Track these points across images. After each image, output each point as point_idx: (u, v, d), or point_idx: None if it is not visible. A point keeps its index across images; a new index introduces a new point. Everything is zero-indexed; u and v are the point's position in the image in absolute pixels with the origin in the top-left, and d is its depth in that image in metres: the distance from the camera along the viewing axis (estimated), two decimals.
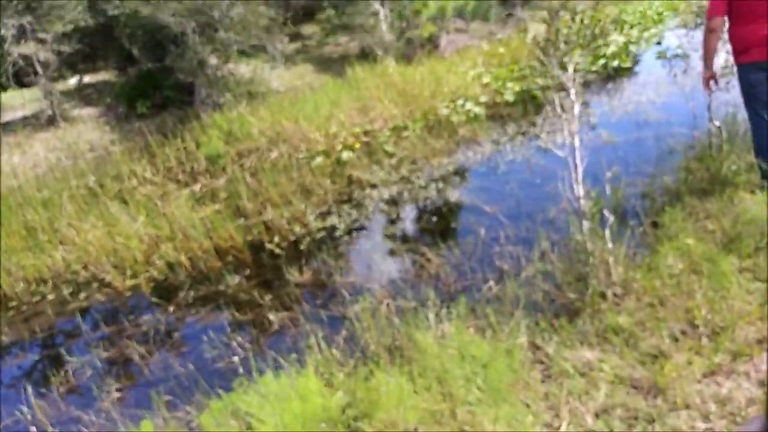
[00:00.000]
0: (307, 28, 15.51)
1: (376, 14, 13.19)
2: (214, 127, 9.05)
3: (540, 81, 9.43)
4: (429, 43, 13.43)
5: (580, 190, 3.44)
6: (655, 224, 4.10)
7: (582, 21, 3.07)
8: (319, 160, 7.50)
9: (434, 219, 5.65)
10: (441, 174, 6.54)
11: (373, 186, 6.53)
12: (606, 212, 3.50)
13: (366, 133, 8.31)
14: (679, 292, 3.21)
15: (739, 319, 2.89)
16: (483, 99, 8.93)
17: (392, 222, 5.79)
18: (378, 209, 6.03)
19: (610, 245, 3.47)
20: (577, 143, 3.34)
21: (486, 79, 9.82)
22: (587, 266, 3.50)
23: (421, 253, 4.74)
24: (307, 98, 9.72)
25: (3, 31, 10.35)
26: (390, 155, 7.41)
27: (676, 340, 2.92)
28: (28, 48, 10.81)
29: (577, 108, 3.28)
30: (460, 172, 6.54)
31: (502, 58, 11.16)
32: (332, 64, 12.88)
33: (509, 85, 9.45)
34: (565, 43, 3.15)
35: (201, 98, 10.66)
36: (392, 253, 5.09)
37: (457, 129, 7.93)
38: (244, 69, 11.88)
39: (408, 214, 5.91)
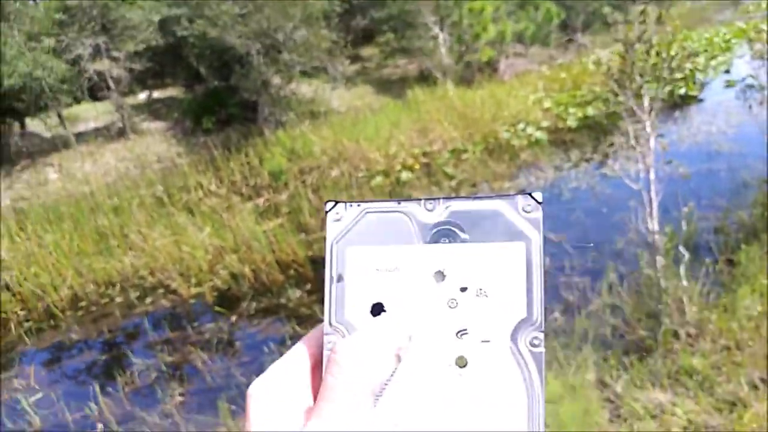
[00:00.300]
0: (367, 51, 15.74)
1: (435, 38, 13.29)
2: (277, 144, 9.26)
3: (603, 107, 9.31)
4: (488, 67, 13.42)
5: (654, 225, 3.36)
6: (730, 262, 3.95)
7: (659, 54, 3.02)
8: (378, 179, 7.56)
9: None
10: None
11: None
12: (681, 249, 3.40)
13: (425, 154, 8.34)
14: (757, 336, 3.09)
15: None
16: (544, 124, 8.84)
17: None
18: None
19: (684, 282, 3.37)
20: (652, 176, 3.27)
21: (547, 104, 9.73)
22: (660, 303, 3.41)
23: None
24: (368, 119, 9.84)
25: (81, 50, 10.89)
26: (450, 177, 7.41)
27: (756, 387, 2.80)
28: (103, 65, 11.34)
29: (652, 141, 3.22)
30: None
31: (563, 83, 11.05)
32: (391, 86, 13.02)
33: (571, 110, 9.33)
34: (640, 75, 3.10)
35: (264, 116, 10.92)
36: None
37: (518, 153, 7.88)
38: (305, 89, 12.12)
39: None
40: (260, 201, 7.58)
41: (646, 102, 3.10)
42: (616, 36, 3.03)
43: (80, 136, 11.17)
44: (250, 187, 7.99)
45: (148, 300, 5.60)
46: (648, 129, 3.20)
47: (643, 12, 2.86)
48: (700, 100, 9.51)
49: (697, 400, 2.82)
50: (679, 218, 3.78)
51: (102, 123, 11.88)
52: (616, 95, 3.18)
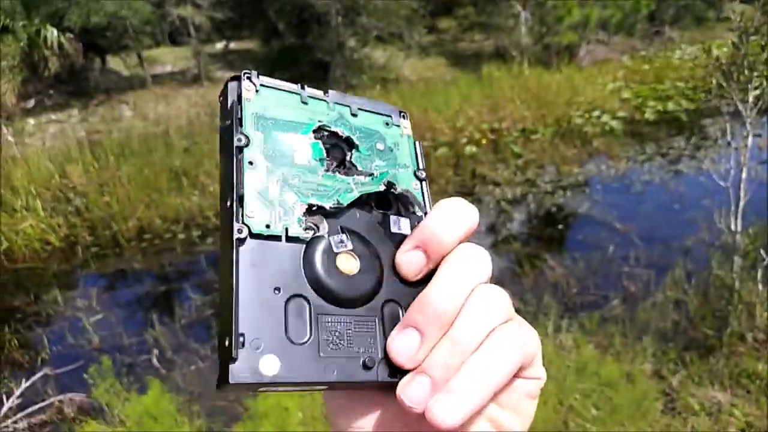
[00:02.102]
0: (444, 22, 15.51)
1: (516, 16, 12.97)
2: None
3: (685, 104, 8.93)
4: (567, 51, 13.04)
5: (738, 225, 3.22)
6: None
7: None
8: (443, 150, 7.50)
9: (558, 227, 5.49)
10: (570, 182, 6.34)
11: (497, 184, 6.44)
12: (762, 252, 3.25)
13: (493, 131, 8.20)
14: None
15: None
16: (621, 114, 8.55)
17: (512, 222, 5.69)
18: (500, 208, 5.95)
19: (760, 287, 3.23)
20: (744, 175, 3.12)
21: (626, 95, 9.40)
22: (730, 305, 3.28)
23: (542, 259, 4.63)
24: (438, 90, 9.74)
25: None
26: (517, 156, 7.28)
27: None
28: (185, 11, 11.56)
29: (750, 138, 3.06)
30: (591, 184, 6.31)
31: (645, 75, 10.64)
32: (466, 61, 12.82)
33: (651, 103, 8.99)
34: (750, 69, 2.93)
35: (335, 77, 10.95)
36: (509, 253, 5.00)
37: (590, 140, 7.66)
38: (379, 54, 12.07)
39: (531, 218, 5.78)
40: None
41: (750, 97, 2.94)
42: (731, 25, 2.87)
43: (156, 78, 11.47)
44: None
45: (209, 240, 5.75)
46: (748, 126, 3.04)
47: (766, 2, 2.68)
48: None
49: (758, 404, 2.72)
50: (762, 222, 3.60)
51: (178, 67, 12.16)
52: (720, 86, 3.02)
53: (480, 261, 0.37)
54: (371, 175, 0.40)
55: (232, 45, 13.53)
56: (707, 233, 4.41)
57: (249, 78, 0.39)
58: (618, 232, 4.99)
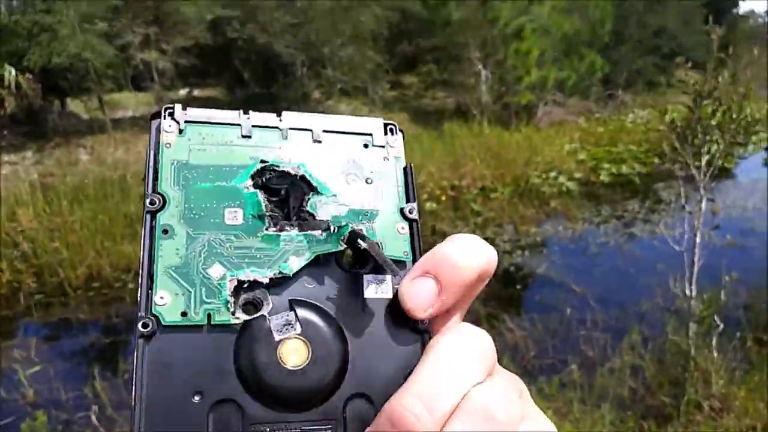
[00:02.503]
0: (408, 78, 15.86)
1: (477, 74, 13.37)
2: None
3: (638, 167, 9.24)
4: (525, 111, 13.45)
5: (693, 290, 3.27)
6: (759, 341, 3.84)
7: (725, 113, 2.96)
8: None
9: (517, 287, 5.51)
10: (528, 242, 6.42)
11: None
12: (716, 319, 3.30)
13: (453, 188, 8.30)
14: None
15: None
16: (577, 175, 8.79)
17: None
18: None
19: (715, 354, 3.27)
20: (698, 239, 3.19)
21: (581, 156, 9.69)
22: (686, 372, 3.30)
23: (501, 320, 4.62)
24: None
25: (130, 37, 11.10)
26: (477, 214, 7.37)
27: None
28: (150, 56, 11.53)
29: (704, 203, 3.15)
30: (549, 245, 6.39)
31: (599, 137, 11.02)
32: (428, 117, 13.08)
33: (605, 165, 9.28)
34: (704, 133, 3.04)
35: None
36: (470, 313, 4.97)
37: (548, 200, 7.82)
38: (343, 108, 12.22)
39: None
40: None
41: (704, 161, 3.04)
42: (683, 89, 2.97)
43: (116, 123, 11.31)
44: None
45: None
46: (702, 191, 3.13)
47: (718, 66, 2.81)
48: (736, 176, 9.39)
49: None
50: (715, 288, 3.68)
51: (140, 113, 12.04)
52: (674, 149, 3.11)
53: (483, 346, 0.30)
54: (329, 228, 0.31)
55: (196, 92, 13.53)
56: (662, 298, 4.49)
57: (171, 114, 0.32)
58: (575, 294, 5.04)
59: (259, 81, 11.92)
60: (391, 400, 0.27)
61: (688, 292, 3.30)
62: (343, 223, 0.32)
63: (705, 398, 3.17)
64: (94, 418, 3.80)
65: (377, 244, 0.32)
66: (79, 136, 10.74)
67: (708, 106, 2.97)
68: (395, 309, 0.31)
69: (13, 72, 9.95)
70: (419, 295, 0.30)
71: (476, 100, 13.11)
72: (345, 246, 0.31)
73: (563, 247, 6.31)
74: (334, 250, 0.31)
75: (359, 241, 0.31)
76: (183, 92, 13.39)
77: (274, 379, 0.28)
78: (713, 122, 2.96)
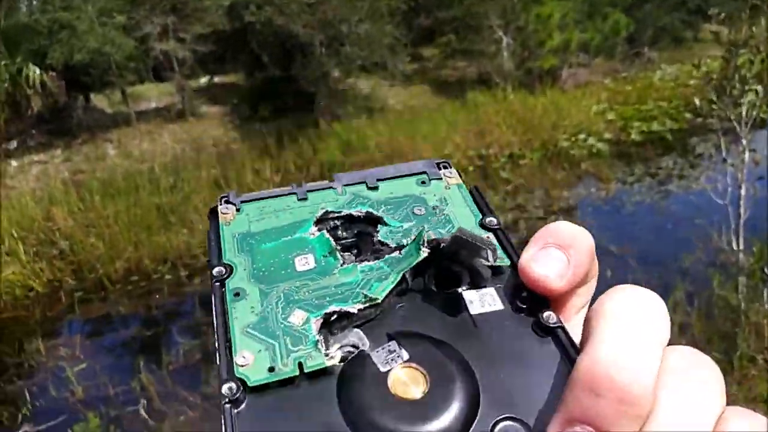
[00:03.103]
0: (427, 51, 15.62)
1: (498, 42, 13.09)
2: (331, 136, 9.25)
3: (669, 123, 8.98)
4: (549, 75, 13.14)
5: (740, 243, 3.16)
6: None
7: (764, 61, 2.82)
8: None
9: None
10: (559, 206, 6.30)
11: None
12: (767, 270, 3.19)
13: (481, 157, 8.19)
14: None
15: None
16: (607, 135, 8.59)
17: None
18: None
19: (767, 306, 3.17)
20: (743, 192, 3.07)
21: (610, 116, 9.45)
22: (737, 326, 3.21)
23: None
24: (424, 118, 9.75)
25: (149, 29, 11.12)
26: (506, 182, 7.25)
27: None
28: (169, 45, 11.55)
29: (747, 154, 3.03)
30: (582, 207, 6.27)
31: (627, 96, 10.73)
32: (449, 88, 12.88)
33: (636, 124, 9.05)
34: (741, 83, 2.91)
35: (320, 108, 10.94)
36: None
37: (578, 163, 7.66)
38: (363, 84, 12.10)
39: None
40: None
41: (743, 112, 2.91)
42: (718, 40, 2.85)
43: (141, 115, 11.39)
44: (304, 176, 8.00)
45: (197, 280, 5.62)
46: (743, 141, 3.01)
47: (753, 11, 2.67)
48: None
49: None
50: (763, 239, 3.55)
51: (163, 103, 12.11)
52: (711, 102, 2.99)
53: (654, 306, 0.25)
54: (404, 246, 0.29)
55: (216, 79, 13.52)
56: (704, 253, 4.36)
57: (226, 200, 0.32)
58: (613, 255, 4.93)
59: (277, 63, 11.83)
60: (579, 366, 0.22)
61: (735, 245, 3.19)
62: (418, 230, 0.29)
63: (758, 352, 3.08)
64: (143, 411, 3.87)
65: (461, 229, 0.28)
66: (104, 130, 10.85)
67: (744, 55, 2.86)
68: (512, 316, 0.27)
69: (37, 71, 10.07)
70: (548, 262, 0.27)
71: (498, 67, 12.86)
72: (428, 251, 0.28)
73: (597, 208, 6.18)
74: (417, 259, 0.28)
75: (442, 238, 0.28)
76: (204, 80, 13.42)
77: (392, 417, 0.23)
78: (751, 72, 2.85)
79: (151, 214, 6.73)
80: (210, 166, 8.30)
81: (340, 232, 0.31)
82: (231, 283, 0.28)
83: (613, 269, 4.63)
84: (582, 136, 8.49)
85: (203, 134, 10.59)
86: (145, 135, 10.54)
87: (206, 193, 7.08)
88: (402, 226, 0.31)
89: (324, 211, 0.31)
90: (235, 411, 0.23)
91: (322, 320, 0.26)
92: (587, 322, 0.25)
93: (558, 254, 0.28)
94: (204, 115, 11.47)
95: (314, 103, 11.12)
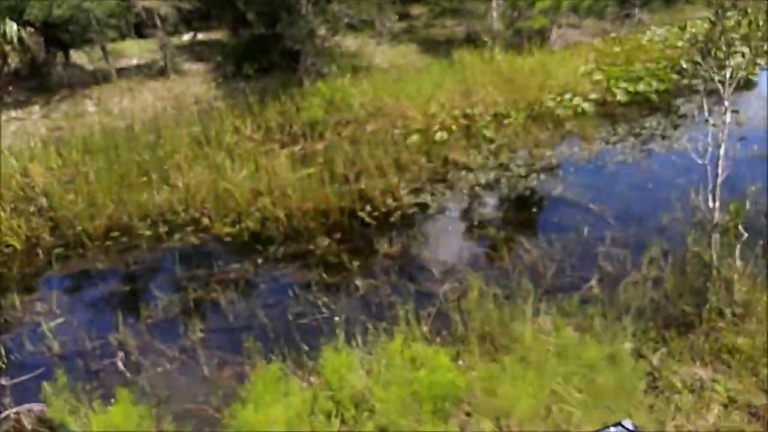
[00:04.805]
0: (416, 9, 15.35)
1: (487, 1, 12.88)
2: (315, 94, 9.10)
3: (655, 84, 8.92)
4: (538, 35, 12.97)
5: (716, 201, 3.18)
6: None
7: (751, 23, 2.80)
8: (415, 137, 7.39)
9: (533, 210, 5.44)
10: (542, 165, 6.28)
11: (470, 169, 6.36)
12: (740, 228, 3.21)
13: (466, 116, 8.11)
14: None
15: None
16: (593, 96, 8.53)
17: (487, 207, 5.63)
18: (473, 193, 5.87)
19: (738, 262, 3.19)
20: (722, 152, 3.07)
21: (597, 77, 9.38)
22: (708, 281, 3.24)
23: (518, 242, 4.56)
24: (410, 77, 9.62)
25: None
26: (489, 141, 7.21)
27: None
28: (151, 2, 11.25)
29: (728, 115, 3.02)
30: (564, 167, 6.25)
31: (616, 57, 10.64)
32: (437, 47, 12.69)
33: (622, 84, 8.98)
34: (727, 45, 2.89)
35: (305, 66, 10.75)
36: (485, 238, 4.92)
37: (563, 122, 7.62)
38: (350, 42, 11.90)
39: (505, 202, 5.72)
40: (296, 149, 7.48)
41: (728, 74, 2.89)
42: (709, 1, 2.83)
43: (121, 72, 11.16)
44: (286, 135, 7.88)
45: (177, 236, 5.58)
46: (726, 103, 2.99)
47: None
48: (759, 86, 8.99)
49: (740, 378, 2.68)
50: (739, 198, 3.56)
51: (144, 60, 11.86)
52: (696, 64, 2.97)
53: None
54: None
55: (200, 36, 13.24)
56: (682, 211, 4.38)
57: None
58: (592, 213, 4.95)
59: (262, 20, 11.58)
60: None
61: (711, 203, 3.20)
62: None
63: (727, 305, 3.12)
64: (120, 364, 3.87)
65: None
66: (84, 87, 10.63)
67: (732, 17, 2.84)
68: None
69: (15, 27, 9.79)
70: None
71: (487, 27, 12.67)
72: None
73: (579, 168, 6.16)
74: None
75: None
76: (187, 37, 13.14)
77: None
78: (738, 34, 2.83)
79: (131, 172, 6.63)
80: (191, 124, 8.16)
81: None
82: None
83: (592, 226, 4.66)
84: (568, 96, 8.42)
85: (185, 92, 10.38)
86: (126, 92, 10.33)
87: (187, 151, 6.98)
88: None
89: None
90: None
91: None
92: None
93: None
94: (186, 73, 11.25)
95: (299, 61, 10.92)
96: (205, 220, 5.69)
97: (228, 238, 5.42)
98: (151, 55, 11.84)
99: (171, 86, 10.70)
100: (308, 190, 5.78)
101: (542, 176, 6.01)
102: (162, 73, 11.17)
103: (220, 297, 4.46)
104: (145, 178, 6.47)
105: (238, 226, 5.52)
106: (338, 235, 5.15)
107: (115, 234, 5.73)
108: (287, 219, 5.45)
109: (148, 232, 5.70)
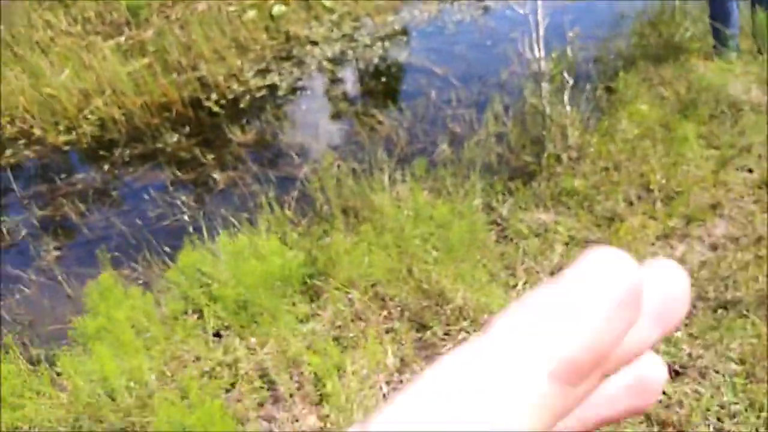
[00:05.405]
0: None
1: None
2: None
3: None
4: None
5: (540, 51, 3.35)
6: (609, 89, 4.10)
7: None
8: (251, 13, 6.95)
9: (382, 79, 5.47)
10: (386, 32, 6.23)
11: (314, 43, 6.17)
12: (566, 75, 3.44)
13: None
14: (633, 157, 3.28)
15: (693, 184, 2.99)
16: None
17: (337, 82, 5.57)
18: (321, 68, 5.75)
19: (567, 108, 3.46)
20: (540, 1, 3.20)
21: None
22: (544, 129, 3.50)
23: (370, 115, 4.61)
24: None
25: None
26: (330, 11, 6.96)
27: (631, 204, 3.01)
28: None
29: None
30: (407, 32, 6.26)
31: None
32: None
33: None
34: None
35: None
36: (340, 114, 4.92)
37: None
38: None
39: (354, 74, 5.68)
40: (122, 40, 6.78)
41: None
42: None
43: None
44: (108, 25, 7.07)
45: (9, 152, 5.02)
46: None
47: None
48: None
49: (578, 218, 3.01)
50: (563, 46, 3.78)
51: None
52: None
53: None
54: None
55: None
56: (519, 65, 4.59)
57: None
58: (437, 76, 5.07)
59: None
60: None
61: (537, 53, 3.38)
62: None
63: (563, 150, 3.41)
64: None
65: None
66: None
67: None
68: None
69: None
70: None
71: None
72: None
73: (421, 31, 6.20)
74: None
75: None
76: None
77: None
78: None
79: None
80: None
81: None
82: None
83: (438, 89, 4.79)
84: None
85: None
86: None
87: None
88: None
89: None
90: None
91: None
92: None
93: None
94: None
95: None
96: (37, 131, 5.13)
97: (66, 147, 4.97)
98: None
99: None
100: (143, 84, 5.34)
101: (387, 43, 5.99)
102: None
103: (70, 211, 4.16)
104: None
105: (74, 133, 5.05)
106: (186, 129, 4.90)
107: None
108: (126, 118, 5.07)
109: None
